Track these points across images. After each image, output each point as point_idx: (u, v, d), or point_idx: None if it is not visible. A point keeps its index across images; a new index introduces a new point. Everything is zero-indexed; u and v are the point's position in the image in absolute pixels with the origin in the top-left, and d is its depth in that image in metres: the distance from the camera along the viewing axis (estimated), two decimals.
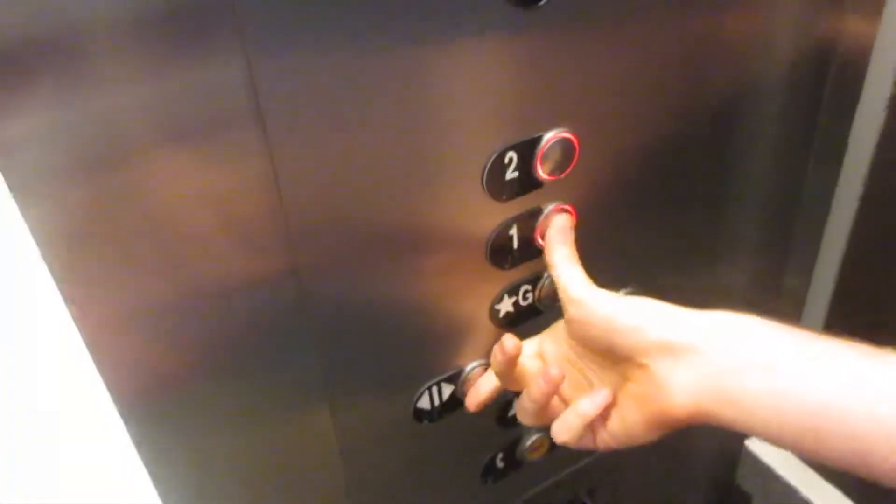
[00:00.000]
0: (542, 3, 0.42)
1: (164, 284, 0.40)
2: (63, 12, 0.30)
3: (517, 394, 0.49)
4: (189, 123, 0.36)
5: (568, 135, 0.48)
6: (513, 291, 0.53)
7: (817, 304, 0.71)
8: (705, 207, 0.62)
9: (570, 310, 0.46)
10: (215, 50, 0.34)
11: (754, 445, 0.82)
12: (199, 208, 0.39)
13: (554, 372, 0.45)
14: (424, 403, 0.54)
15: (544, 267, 0.53)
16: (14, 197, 0.33)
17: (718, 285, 0.69)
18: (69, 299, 0.37)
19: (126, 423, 0.42)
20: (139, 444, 0.43)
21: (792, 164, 0.64)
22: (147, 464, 0.44)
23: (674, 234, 0.61)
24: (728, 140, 0.59)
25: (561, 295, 0.47)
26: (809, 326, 0.72)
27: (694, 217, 0.62)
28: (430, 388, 0.54)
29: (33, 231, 0.34)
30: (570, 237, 0.50)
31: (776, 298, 0.73)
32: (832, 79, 0.59)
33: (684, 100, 0.54)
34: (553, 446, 0.65)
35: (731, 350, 0.41)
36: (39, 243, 0.35)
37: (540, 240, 0.51)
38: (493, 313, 0.53)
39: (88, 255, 0.37)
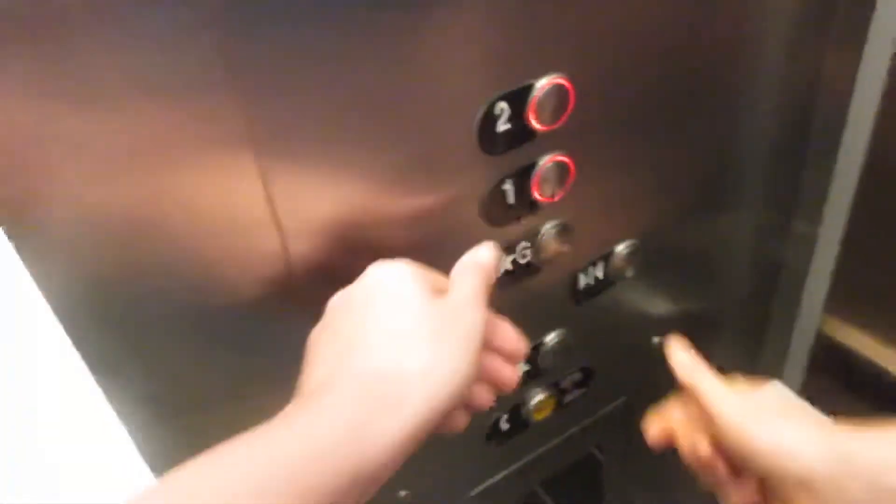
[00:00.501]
0: None
1: (155, 276, 0.39)
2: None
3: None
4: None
5: (562, 81, 0.45)
6: (510, 249, 0.51)
7: (827, 251, 0.69)
8: (709, 152, 0.60)
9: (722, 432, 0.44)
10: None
11: None
12: (182, 188, 0.37)
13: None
14: None
15: (542, 223, 0.52)
16: None
17: (725, 233, 0.67)
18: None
19: (120, 417, 0.42)
20: (138, 443, 0.43)
21: (799, 105, 0.62)
22: (145, 457, 0.44)
23: (677, 182, 0.59)
24: (732, 81, 0.56)
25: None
26: (819, 273, 0.71)
27: (698, 163, 0.60)
28: None
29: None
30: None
31: (785, 245, 0.71)
32: (839, 14, 0.56)
33: (684, 39, 0.51)
34: (558, 406, 0.63)
35: None
36: None
37: (537, 194, 0.49)
38: None
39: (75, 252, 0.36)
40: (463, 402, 0.38)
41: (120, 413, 0.42)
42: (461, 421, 0.40)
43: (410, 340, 0.35)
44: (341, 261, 0.45)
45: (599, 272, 0.58)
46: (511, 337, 0.41)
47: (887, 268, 0.69)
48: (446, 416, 0.35)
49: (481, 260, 0.41)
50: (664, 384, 0.62)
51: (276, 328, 0.45)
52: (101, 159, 0.34)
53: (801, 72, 0.59)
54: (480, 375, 0.39)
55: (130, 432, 0.43)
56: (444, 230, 0.48)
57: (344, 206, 0.43)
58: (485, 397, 0.41)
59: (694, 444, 0.47)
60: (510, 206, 0.49)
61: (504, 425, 0.62)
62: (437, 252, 0.48)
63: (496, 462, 0.66)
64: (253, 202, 0.39)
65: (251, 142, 0.37)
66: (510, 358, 0.41)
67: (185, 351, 0.43)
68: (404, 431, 0.32)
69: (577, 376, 0.64)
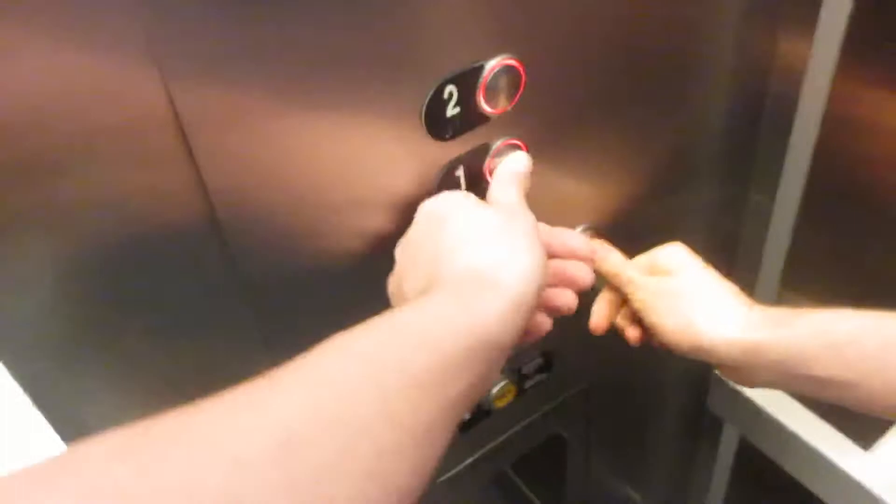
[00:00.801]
0: None
1: (85, 251, 0.37)
2: None
3: None
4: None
5: (513, 62, 0.43)
6: None
7: (783, 220, 0.70)
8: (665, 132, 0.59)
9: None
10: None
11: None
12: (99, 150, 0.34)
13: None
14: None
15: None
16: None
17: (682, 211, 0.67)
18: None
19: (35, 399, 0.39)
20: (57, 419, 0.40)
21: (753, 81, 0.61)
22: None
23: (633, 162, 0.58)
24: (687, 60, 0.55)
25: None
26: (775, 247, 0.71)
27: (653, 143, 0.59)
28: None
29: None
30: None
31: (742, 220, 0.71)
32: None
33: (638, 18, 0.49)
34: (519, 393, 0.63)
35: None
36: None
37: (489, 177, 0.47)
38: None
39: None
40: (545, 304, 0.43)
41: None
42: (545, 323, 0.44)
43: (485, 244, 0.38)
44: (288, 253, 0.43)
45: None
46: (573, 239, 0.45)
47: (841, 236, 0.70)
48: (532, 310, 0.38)
49: (516, 169, 0.44)
50: (625, 368, 0.61)
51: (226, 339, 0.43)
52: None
53: (755, 50, 0.58)
54: (557, 279, 0.44)
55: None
56: (397, 218, 0.46)
57: (288, 197, 0.41)
58: (565, 299, 0.44)
59: (625, 328, 0.54)
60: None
61: (465, 415, 0.61)
62: (391, 241, 0.47)
63: (460, 450, 0.65)
64: (186, 187, 0.37)
65: (180, 125, 0.35)
66: (578, 258, 0.45)
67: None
68: (505, 305, 0.35)
69: (538, 362, 0.63)
